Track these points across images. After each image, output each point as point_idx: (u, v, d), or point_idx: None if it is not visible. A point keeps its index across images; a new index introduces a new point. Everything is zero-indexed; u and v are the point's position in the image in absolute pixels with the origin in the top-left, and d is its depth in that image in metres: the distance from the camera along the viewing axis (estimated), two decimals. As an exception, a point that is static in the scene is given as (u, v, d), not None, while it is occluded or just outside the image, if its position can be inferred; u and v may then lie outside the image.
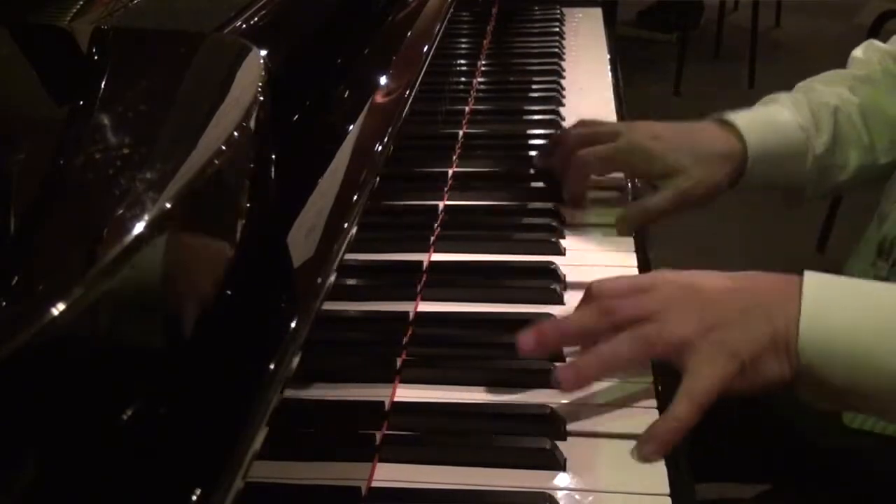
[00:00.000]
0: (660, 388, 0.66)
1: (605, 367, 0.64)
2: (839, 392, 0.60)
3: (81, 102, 0.48)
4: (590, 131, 0.89)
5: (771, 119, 0.87)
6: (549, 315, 0.72)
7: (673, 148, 0.84)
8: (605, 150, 0.86)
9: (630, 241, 0.85)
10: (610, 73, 1.27)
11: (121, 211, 0.36)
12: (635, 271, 0.80)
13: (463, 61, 1.21)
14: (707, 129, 0.87)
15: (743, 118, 0.86)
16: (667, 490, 0.57)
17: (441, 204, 0.90)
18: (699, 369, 0.60)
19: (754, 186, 0.88)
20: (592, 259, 0.82)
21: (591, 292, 0.66)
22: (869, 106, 0.89)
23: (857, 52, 0.94)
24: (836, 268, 0.76)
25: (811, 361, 0.59)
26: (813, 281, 0.61)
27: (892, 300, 0.62)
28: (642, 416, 0.63)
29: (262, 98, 0.47)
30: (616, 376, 0.67)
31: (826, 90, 0.90)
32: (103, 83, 0.49)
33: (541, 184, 0.95)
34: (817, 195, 0.92)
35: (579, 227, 0.87)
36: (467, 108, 1.13)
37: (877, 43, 0.94)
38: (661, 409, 0.64)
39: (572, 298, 0.76)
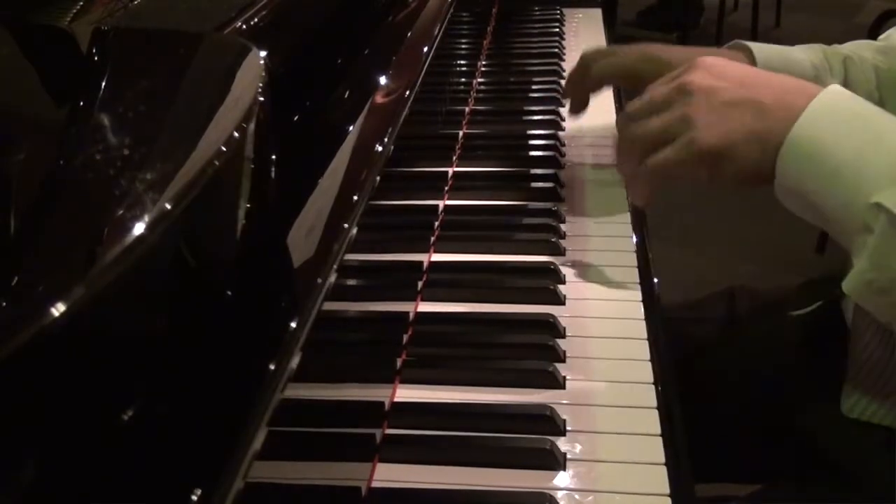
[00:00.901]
0: (660, 388, 0.66)
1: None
2: (805, 200, 0.64)
3: (81, 102, 0.48)
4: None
5: (784, 53, 0.90)
6: (549, 315, 0.72)
7: (687, 56, 0.85)
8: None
9: (630, 241, 0.85)
10: (610, 74, 1.27)
11: (121, 211, 0.36)
12: (635, 270, 0.80)
13: (463, 61, 1.21)
14: (719, 51, 0.90)
15: (757, 45, 0.90)
16: (667, 490, 0.57)
17: (441, 204, 0.90)
18: (663, 152, 0.68)
19: None
20: (592, 259, 0.82)
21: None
22: (884, 72, 0.89)
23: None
24: (836, 268, 0.75)
25: (787, 164, 0.63)
26: (829, 94, 0.64)
27: (887, 124, 0.64)
28: (642, 416, 0.63)
29: (262, 98, 0.47)
30: (617, 376, 0.67)
31: (842, 46, 0.93)
32: (103, 83, 0.49)
33: (541, 184, 0.95)
34: None
35: (579, 228, 0.87)
36: (467, 109, 1.13)
37: None
38: (662, 409, 0.64)
39: (572, 298, 0.76)
